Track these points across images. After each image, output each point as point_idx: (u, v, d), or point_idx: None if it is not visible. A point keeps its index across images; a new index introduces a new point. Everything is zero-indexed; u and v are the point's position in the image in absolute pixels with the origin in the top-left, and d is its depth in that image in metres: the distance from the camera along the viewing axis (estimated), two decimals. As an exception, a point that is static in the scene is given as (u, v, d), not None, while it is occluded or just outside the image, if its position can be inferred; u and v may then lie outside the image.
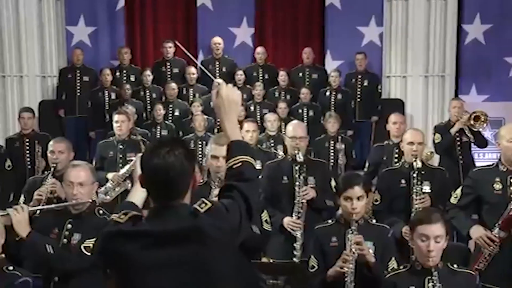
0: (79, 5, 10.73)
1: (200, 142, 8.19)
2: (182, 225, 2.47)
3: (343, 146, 8.20)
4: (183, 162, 2.50)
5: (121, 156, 6.84)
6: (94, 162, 6.86)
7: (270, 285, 5.01)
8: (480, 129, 7.52)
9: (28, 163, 7.65)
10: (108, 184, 6.56)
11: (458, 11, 10.66)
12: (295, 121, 5.98)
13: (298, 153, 5.45)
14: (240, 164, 2.64)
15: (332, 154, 8.22)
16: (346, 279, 3.79)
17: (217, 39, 10.42)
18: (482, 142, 7.62)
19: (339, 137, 8.27)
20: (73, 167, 4.14)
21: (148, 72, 9.96)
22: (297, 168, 5.45)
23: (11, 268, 3.40)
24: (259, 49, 10.53)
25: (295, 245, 5.40)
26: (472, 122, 7.44)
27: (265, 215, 4.31)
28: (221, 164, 4.18)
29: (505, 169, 4.67)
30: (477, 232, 4.62)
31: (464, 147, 7.67)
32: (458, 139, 7.63)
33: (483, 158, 9.12)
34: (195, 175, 2.63)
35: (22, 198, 5.16)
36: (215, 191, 4.11)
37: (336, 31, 10.86)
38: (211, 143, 4.32)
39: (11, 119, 10.20)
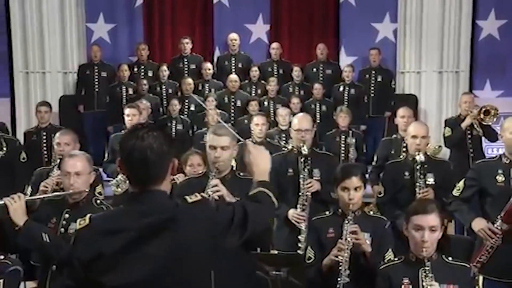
0: (98, 2, 10.71)
1: (213, 136, 8.07)
2: (160, 216, 2.38)
3: (354, 140, 8.07)
4: (161, 144, 2.42)
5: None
6: (106, 155, 6.79)
7: (273, 276, 4.92)
8: (490, 123, 7.34)
9: (45, 155, 7.60)
10: (120, 177, 6.46)
11: (472, 7, 10.45)
12: (300, 114, 5.85)
13: (303, 146, 5.33)
14: (257, 191, 2.73)
15: (343, 148, 8.09)
16: (340, 268, 3.68)
17: (233, 36, 10.34)
18: (492, 136, 7.43)
19: (350, 131, 8.13)
20: (69, 157, 4.07)
21: (164, 67, 9.91)
22: (302, 160, 5.33)
23: (1, 257, 3.33)
24: (274, 45, 10.42)
25: (299, 237, 5.29)
26: (482, 116, 7.27)
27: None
28: (219, 154, 4.10)
29: (508, 162, 4.55)
30: (479, 224, 4.48)
31: (474, 141, 7.50)
32: (468, 133, 7.46)
33: (496, 152, 8.92)
34: (174, 162, 2.52)
35: (29, 190, 5.10)
36: (213, 181, 4.00)
37: (350, 27, 10.74)
38: (210, 133, 4.23)
39: (34, 114, 10.18)
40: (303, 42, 10.98)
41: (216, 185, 3.97)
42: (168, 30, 11.00)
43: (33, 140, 7.71)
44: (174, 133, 8.62)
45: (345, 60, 10.65)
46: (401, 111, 6.88)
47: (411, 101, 10.14)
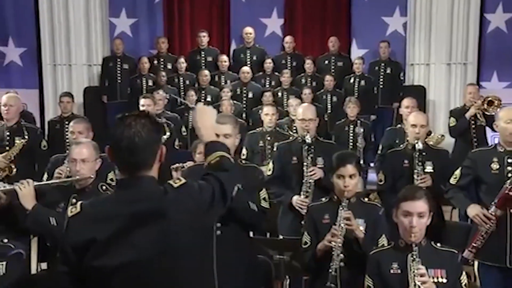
0: (121, -2, 10.79)
1: (227, 125, 8.02)
2: (149, 202, 2.34)
3: (362, 129, 7.97)
4: (149, 131, 2.37)
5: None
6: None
7: (277, 260, 4.88)
8: (494, 113, 7.18)
9: (67, 143, 7.60)
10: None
11: (481, 0, 10.23)
12: (305, 104, 5.80)
13: (306, 135, 5.27)
14: (218, 159, 2.61)
15: (351, 137, 8.01)
16: (333, 253, 3.62)
17: (248, 29, 10.28)
18: (496, 126, 7.28)
19: (358, 121, 8.04)
20: (76, 145, 4.05)
21: (182, 60, 9.90)
22: (305, 149, 5.27)
23: (5, 240, 3.33)
24: (288, 38, 10.34)
25: (303, 222, 5.23)
26: (485, 106, 7.14)
27: (263, 193, 4.16)
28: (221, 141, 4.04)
29: (502, 150, 4.44)
30: (474, 210, 4.37)
31: (478, 130, 7.36)
32: (473, 123, 7.33)
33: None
34: (162, 148, 2.47)
35: (45, 176, 5.09)
36: (213, 168, 3.95)
37: (361, 21, 10.66)
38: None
39: (59, 104, 10.27)
40: (316, 35, 10.91)
41: (217, 172, 3.92)
42: (187, 24, 10.98)
43: (56, 129, 7.75)
44: (191, 123, 8.59)
45: (356, 53, 10.56)
46: (406, 102, 6.76)
47: (420, 93, 10.04)
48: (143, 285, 2.31)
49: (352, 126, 8.03)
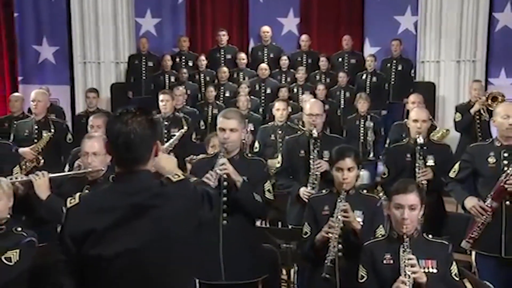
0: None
1: (243, 120, 7.98)
2: (145, 195, 2.33)
3: (372, 124, 7.96)
4: (144, 129, 2.34)
5: (165, 131, 6.71)
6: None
7: (284, 248, 4.85)
8: (498, 109, 7.06)
9: (91, 137, 7.66)
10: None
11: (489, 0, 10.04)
12: (312, 100, 5.72)
13: (313, 129, 5.22)
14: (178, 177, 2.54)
15: (362, 131, 7.97)
16: (329, 244, 3.57)
17: (265, 28, 10.23)
18: (499, 121, 7.15)
19: (369, 116, 8.00)
20: (88, 138, 4.05)
21: (202, 57, 9.89)
22: (312, 142, 5.22)
23: (19, 229, 3.33)
24: (304, 37, 10.28)
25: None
26: (489, 102, 7.02)
27: (267, 185, 4.13)
28: (228, 135, 4.02)
29: (499, 145, 4.37)
30: (471, 202, 4.31)
31: (482, 125, 7.27)
32: (477, 118, 7.23)
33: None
34: (158, 144, 2.46)
35: (67, 167, 5.10)
36: (220, 160, 3.93)
37: (374, 20, 10.55)
38: (219, 116, 4.14)
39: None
40: (330, 34, 10.82)
41: (223, 164, 3.91)
42: (208, 24, 10.98)
43: (81, 122, 7.77)
44: (210, 117, 8.59)
45: (369, 50, 10.46)
46: (412, 97, 6.67)
47: (430, 89, 9.94)
48: (136, 273, 2.31)
49: (362, 120, 8.01)
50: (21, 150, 6.21)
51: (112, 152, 2.41)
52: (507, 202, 4.21)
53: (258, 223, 6.53)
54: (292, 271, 5.02)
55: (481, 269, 4.34)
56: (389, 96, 9.74)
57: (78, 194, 2.43)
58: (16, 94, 8.20)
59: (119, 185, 2.39)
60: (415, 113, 5.11)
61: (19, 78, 10.82)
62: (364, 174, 7.73)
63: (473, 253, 4.42)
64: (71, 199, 2.41)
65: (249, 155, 4.21)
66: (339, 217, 3.60)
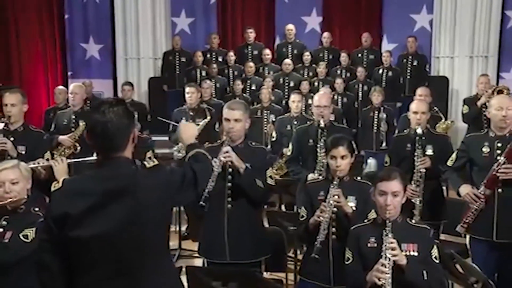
0: (181, 0, 10.79)
1: (265, 111, 7.90)
2: (121, 180, 2.31)
3: (385, 115, 7.78)
4: (120, 118, 2.32)
5: (191, 121, 6.68)
6: (171, 126, 6.81)
7: (291, 231, 4.78)
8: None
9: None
10: (180, 144, 6.45)
11: (502, -2, 9.72)
12: (321, 92, 5.64)
13: (321, 120, 5.12)
14: (195, 153, 2.70)
15: (375, 122, 7.79)
16: (320, 227, 3.49)
17: (290, 26, 10.09)
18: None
19: (382, 108, 7.82)
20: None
21: (231, 53, 9.82)
22: (320, 132, 5.12)
23: (37, 209, 3.34)
24: (325, 34, 10.11)
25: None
26: (495, 95, 6.72)
27: (269, 172, 4.06)
28: (232, 125, 3.97)
29: (493, 135, 4.22)
30: (465, 189, 4.19)
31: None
32: (484, 110, 6.97)
33: None
34: (135, 132, 2.42)
35: (95, 155, 5.11)
36: (224, 148, 3.89)
37: (392, 18, 10.38)
38: (225, 107, 4.07)
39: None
40: (351, 31, 10.64)
41: (227, 151, 3.86)
42: (238, 22, 10.91)
43: (119, 112, 7.81)
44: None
45: (386, 47, 10.28)
46: (419, 90, 6.50)
47: (444, 83, 9.75)
48: (114, 254, 2.28)
49: (376, 112, 7.83)
50: (60, 138, 6.30)
51: (90, 141, 2.37)
52: (499, 190, 4.07)
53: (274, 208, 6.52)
54: (301, 251, 4.95)
55: (474, 251, 4.24)
56: (404, 90, 9.51)
57: (62, 178, 2.42)
58: (60, 87, 8.31)
59: (97, 171, 2.37)
60: (415, 105, 4.98)
61: (69, 73, 10.96)
62: (372, 162, 7.60)
63: (467, 237, 4.29)
64: (55, 183, 2.40)
65: (253, 143, 4.14)
66: (331, 202, 3.51)
